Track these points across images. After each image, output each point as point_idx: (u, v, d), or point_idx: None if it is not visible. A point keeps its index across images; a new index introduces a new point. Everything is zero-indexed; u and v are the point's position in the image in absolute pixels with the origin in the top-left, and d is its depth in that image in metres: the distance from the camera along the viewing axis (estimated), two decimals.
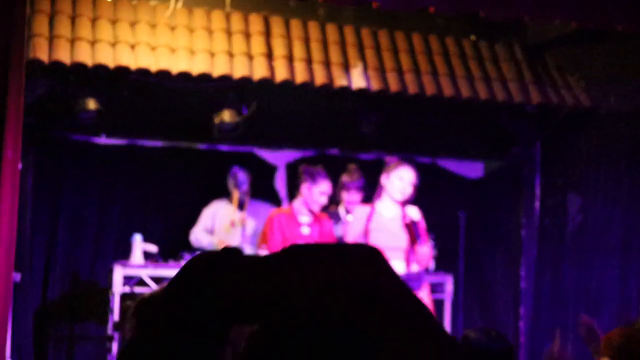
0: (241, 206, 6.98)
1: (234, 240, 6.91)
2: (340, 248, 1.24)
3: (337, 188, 6.62)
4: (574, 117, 7.08)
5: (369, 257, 1.16)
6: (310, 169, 6.26)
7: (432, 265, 6.96)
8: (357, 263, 1.14)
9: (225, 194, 7.10)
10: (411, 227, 5.55)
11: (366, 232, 5.61)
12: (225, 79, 6.22)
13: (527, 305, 7.31)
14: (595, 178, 7.21)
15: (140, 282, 6.51)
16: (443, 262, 7.12)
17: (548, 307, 7.35)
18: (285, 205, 7.20)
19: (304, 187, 6.22)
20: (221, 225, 7.02)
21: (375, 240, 5.51)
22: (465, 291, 7.56)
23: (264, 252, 6.06)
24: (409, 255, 5.62)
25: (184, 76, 6.15)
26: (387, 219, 5.64)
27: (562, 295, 7.30)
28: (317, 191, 6.16)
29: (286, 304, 1.08)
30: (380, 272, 1.14)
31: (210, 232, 7.03)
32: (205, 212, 7.08)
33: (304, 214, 6.29)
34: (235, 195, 6.96)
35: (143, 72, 6.09)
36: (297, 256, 1.14)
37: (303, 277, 1.10)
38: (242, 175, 6.99)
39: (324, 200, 6.22)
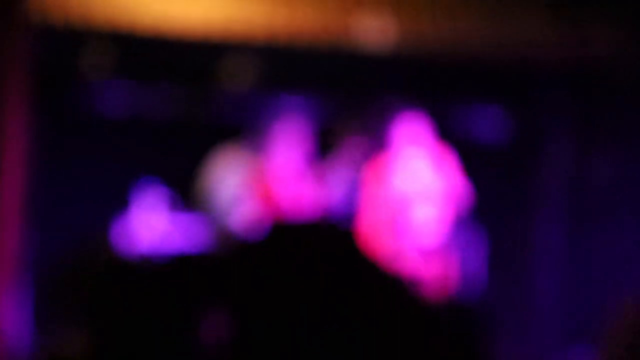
0: None
1: None
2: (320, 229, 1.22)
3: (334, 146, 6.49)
4: (606, 72, 6.99)
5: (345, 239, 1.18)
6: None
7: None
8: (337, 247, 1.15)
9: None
10: None
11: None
12: (238, 28, 6.12)
13: (557, 266, 7.28)
14: (627, 136, 7.17)
15: (151, 239, 6.49)
16: (472, 221, 7.05)
17: (577, 268, 7.33)
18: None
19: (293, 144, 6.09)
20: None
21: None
22: (494, 251, 7.53)
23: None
24: None
25: (187, 25, 6.05)
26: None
27: (591, 256, 7.27)
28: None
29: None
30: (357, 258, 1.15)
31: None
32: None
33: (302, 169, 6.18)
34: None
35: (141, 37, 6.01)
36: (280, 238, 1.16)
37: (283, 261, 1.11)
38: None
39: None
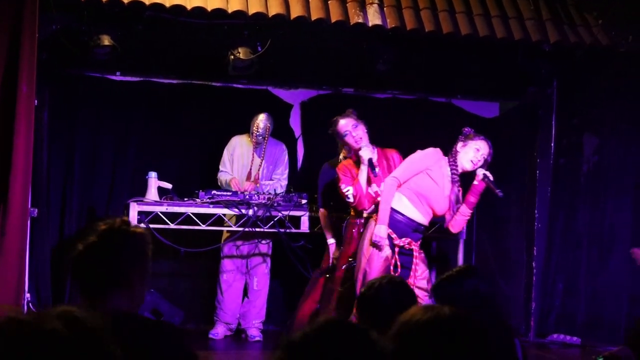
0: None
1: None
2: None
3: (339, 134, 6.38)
4: (591, 56, 6.96)
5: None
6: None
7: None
8: None
9: (243, 131, 7.11)
10: (483, 186, 5.59)
11: (423, 174, 5.64)
12: (240, 15, 6.15)
13: (541, 245, 7.30)
14: (612, 118, 7.15)
15: (156, 219, 6.55)
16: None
17: (561, 247, 7.35)
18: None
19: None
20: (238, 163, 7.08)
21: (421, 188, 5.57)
22: (479, 231, 7.58)
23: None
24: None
25: (199, 12, 6.09)
26: (443, 178, 5.67)
27: (576, 236, 7.30)
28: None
29: None
30: None
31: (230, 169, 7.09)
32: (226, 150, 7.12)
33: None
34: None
35: (157, 7, 6.03)
36: None
37: None
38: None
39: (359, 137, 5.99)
